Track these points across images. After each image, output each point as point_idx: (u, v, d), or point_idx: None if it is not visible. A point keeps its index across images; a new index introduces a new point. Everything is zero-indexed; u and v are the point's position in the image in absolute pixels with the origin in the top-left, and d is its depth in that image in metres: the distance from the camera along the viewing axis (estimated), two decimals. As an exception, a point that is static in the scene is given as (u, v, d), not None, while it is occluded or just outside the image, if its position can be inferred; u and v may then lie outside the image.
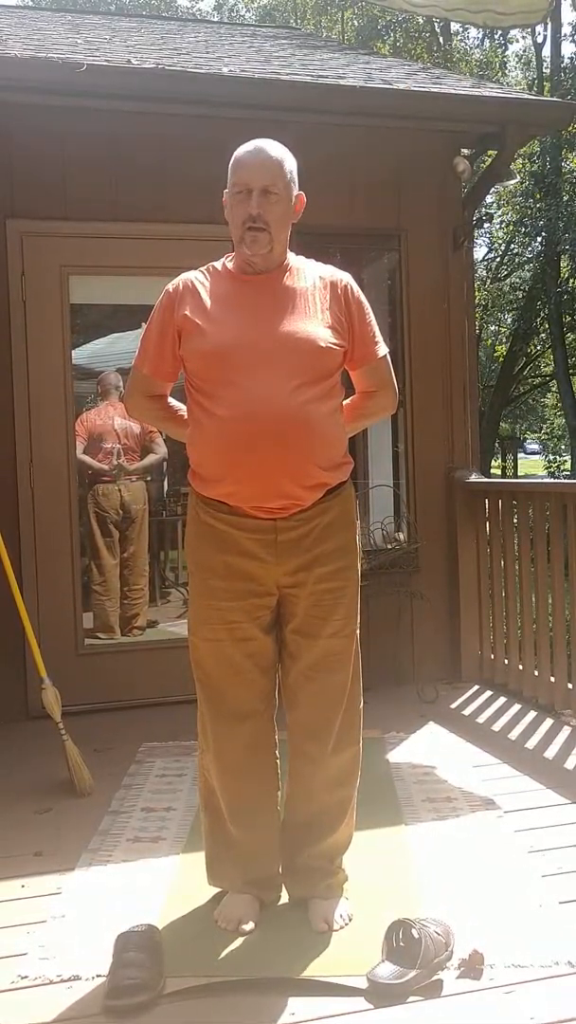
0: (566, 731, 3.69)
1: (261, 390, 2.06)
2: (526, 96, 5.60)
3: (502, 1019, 1.86)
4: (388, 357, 2.33)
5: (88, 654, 4.37)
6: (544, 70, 16.63)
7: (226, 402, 2.08)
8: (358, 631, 2.25)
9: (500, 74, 17.91)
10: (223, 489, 2.12)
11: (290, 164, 2.19)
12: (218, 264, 2.25)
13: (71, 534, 4.29)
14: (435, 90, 4.38)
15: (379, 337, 2.27)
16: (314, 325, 2.12)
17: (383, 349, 2.29)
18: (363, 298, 2.24)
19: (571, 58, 15.69)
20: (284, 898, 2.35)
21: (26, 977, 2.06)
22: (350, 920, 2.23)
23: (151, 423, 2.42)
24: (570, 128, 12.74)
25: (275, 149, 2.17)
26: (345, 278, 2.23)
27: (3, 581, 3.45)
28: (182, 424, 2.27)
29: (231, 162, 2.19)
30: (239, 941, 2.18)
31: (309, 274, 2.21)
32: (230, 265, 2.22)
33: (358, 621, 2.25)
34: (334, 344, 2.14)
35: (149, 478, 5.68)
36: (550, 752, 3.52)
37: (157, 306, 2.24)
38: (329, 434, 2.14)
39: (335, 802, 2.24)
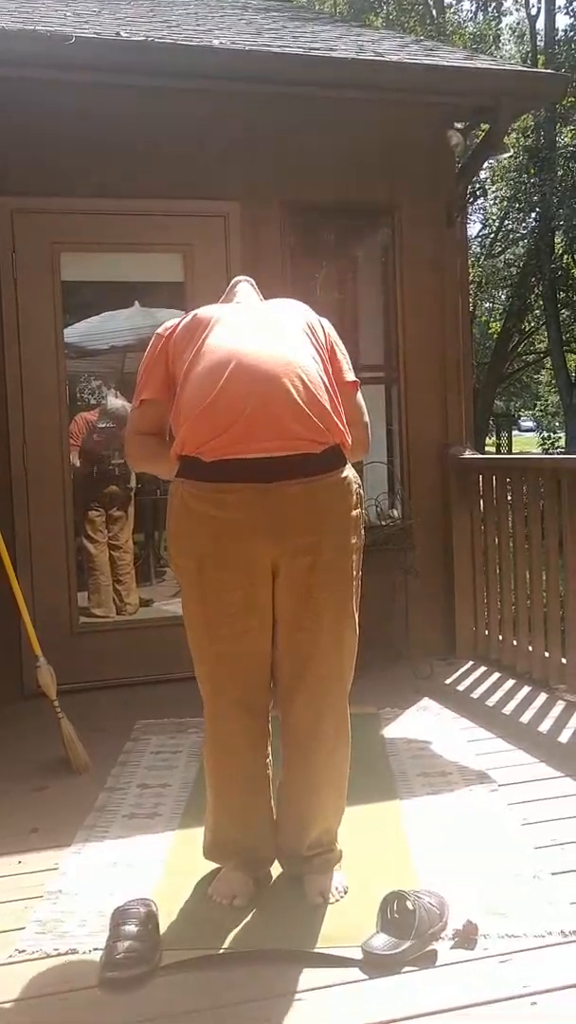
0: (560, 705, 3.72)
1: (254, 358, 2.12)
2: (520, 68, 5.57)
3: (496, 988, 1.88)
4: (360, 394, 2.35)
5: (83, 633, 4.38)
6: (538, 43, 16.48)
7: (214, 366, 2.12)
8: (356, 621, 2.21)
9: (494, 47, 17.74)
10: (216, 441, 2.05)
11: None
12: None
13: (65, 513, 4.28)
14: (428, 62, 4.34)
15: (351, 371, 2.32)
16: (300, 338, 2.22)
17: (353, 376, 2.32)
18: (335, 333, 2.33)
19: (565, 30, 15.49)
20: (275, 872, 2.36)
21: (24, 951, 2.08)
22: (345, 892, 2.25)
23: (150, 463, 2.34)
24: (564, 101, 12.70)
25: None
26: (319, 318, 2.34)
27: (-3, 560, 3.45)
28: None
29: None
30: (235, 915, 2.19)
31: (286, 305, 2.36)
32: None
33: (356, 611, 2.21)
34: (316, 356, 2.20)
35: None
36: (544, 726, 3.54)
37: (149, 349, 2.33)
38: (323, 387, 2.13)
39: (325, 784, 2.24)
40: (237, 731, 2.21)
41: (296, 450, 2.06)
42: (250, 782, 2.25)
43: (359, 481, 2.23)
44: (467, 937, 2.04)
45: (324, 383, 2.15)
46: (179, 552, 2.18)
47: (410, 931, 1.99)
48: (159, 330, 2.33)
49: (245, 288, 2.47)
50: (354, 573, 2.19)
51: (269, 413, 2.05)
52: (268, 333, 2.18)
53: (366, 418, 2.35)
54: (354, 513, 2.18)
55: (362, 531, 2.23)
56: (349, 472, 2.18)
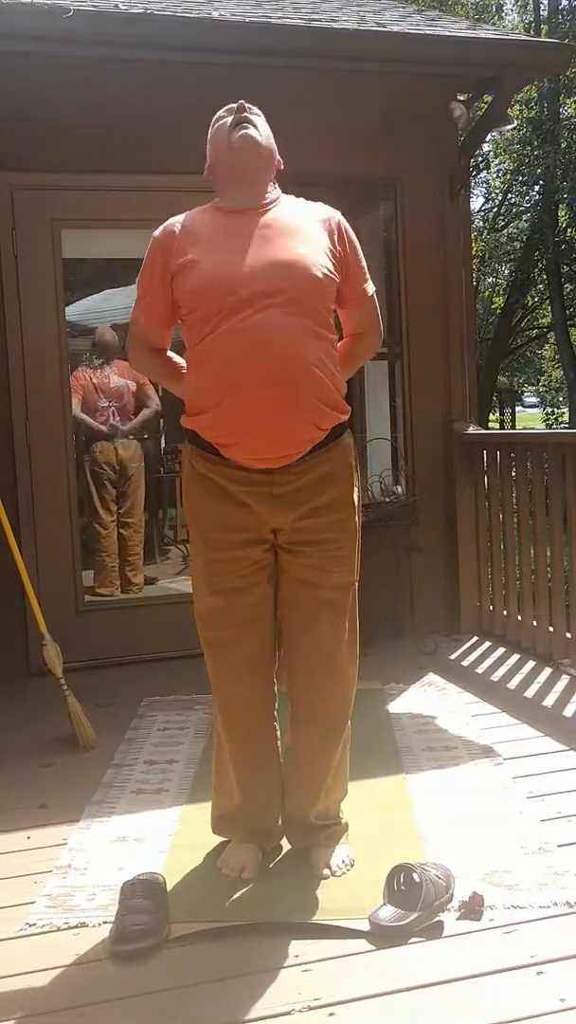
0: (564, 680, 3.72)
1: (259, 333, 2.03)
2: (523, 38, 5.50)
3: (502, 958, 1.89)
4: (375, 297, 2.32)
5: (88, 611, 4.39)
6: (541, 12, 16.26)
7: (223, 346, 2.05)
8: (356, 584, 2.25)
9: (496, 17, 17.51)
10: (226, 450, 2.10)
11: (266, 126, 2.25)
12: (204, 207, 2.24)
13: (69, 490, 4.28)
14: (430, 33, 4.28)
15: (368, 275, 2.27)
16: (311, 250, 2.10)
17: (372, 287, 2.29)
18: (354, 235, 2.24)
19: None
20: (283, 846, 2.38)
21: (34, 925, 2.10)
22: (352, 865, 2.27)
23: (153, 378, 2.43)
24: (568, 72, 12.56)
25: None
26: (336, 215, 2.23)
27: (2, 539, 3.45)
28: (182, 380, 2.26)
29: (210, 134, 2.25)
30: (243, 888, 2.21)
31: (300, 208, 2.22)
32: (219, 205, 2.22)
33: (357, 575, 2.24)
34: (330, 272, 2.12)
35: (145, 435, 5.67)
36: (548, 700, 3.55)
37: (147, 253, 2.23)
38: (327, 372, 2.12)
39: (332, 752, 2.26)
40: (240, 701, 2.23)
41: (305, 449, 2.11)
42: (255, 737, 2.26)
43: (351, 436, 2.26)
44: (473, 908, 2.05)
45: (334, 357, 2.16)
46: (188, 508, 2.25)
47: (416, 903, 2.00)
48: (157, 234, 2.22)
49: (249, 168, 2.19)
50: (357, 535, 2.23)
51: (284, 428, 2.06)
52: (281, 282, 2.06)
53: (380, 323, 2.36)
54: (353, 474, 2.22)
55: (359, 491, 2.25)
56: (346, 435, 2.22)
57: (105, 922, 2.08)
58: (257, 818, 2.31)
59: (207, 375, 2.09)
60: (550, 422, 23.97)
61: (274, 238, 2.10)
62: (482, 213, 16.91)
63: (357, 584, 2.25)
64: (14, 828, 2.61)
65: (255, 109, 2.24)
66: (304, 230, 2.14)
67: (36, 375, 4.18)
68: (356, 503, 2.22)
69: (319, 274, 2.08)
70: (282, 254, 2.08)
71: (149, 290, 2.23)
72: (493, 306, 18.46)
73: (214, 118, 2.26)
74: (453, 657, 4.21)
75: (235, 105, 2.23)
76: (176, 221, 2.21)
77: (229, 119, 2.21)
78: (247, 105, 2.23)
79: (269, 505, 2.12)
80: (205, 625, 2.22)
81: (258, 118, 2.23)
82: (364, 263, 2.26)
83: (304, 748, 2.26)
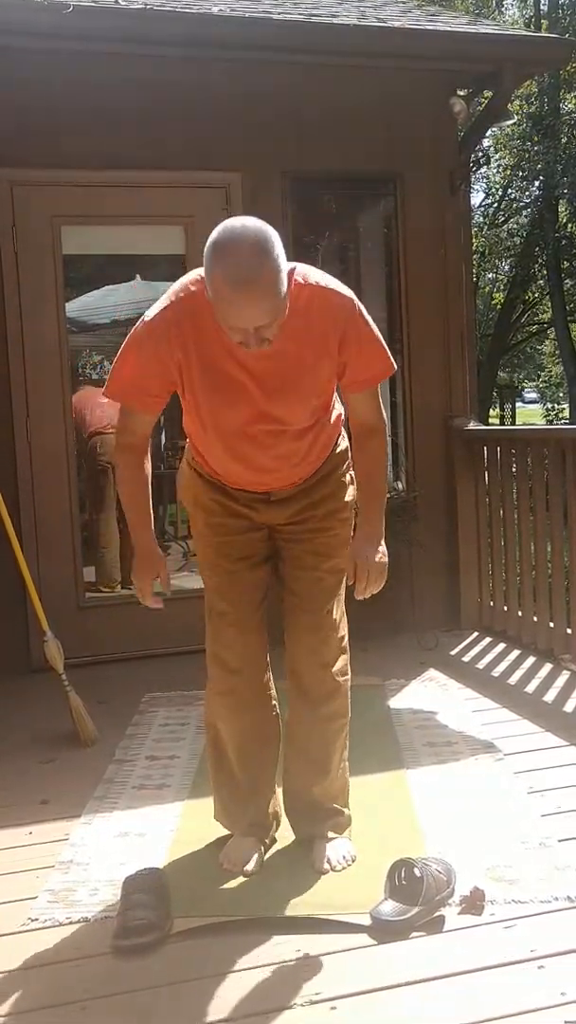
0: (565, 675, 3.73)
1: (262, 439, 2.09)
2: (524, 33, 5.50)
3: (503, 952, 1.90)
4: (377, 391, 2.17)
5: (89, 607, 4.40)
6: (542, 7, 16.23)
7: (223, 438, 2.10)
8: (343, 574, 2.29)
9: (496, 12, 17.47)
10: (222, 480, 2.20)
11: (276, 271, 1.80)
12: (202, 297, 1.91)
13: (70, 487, 4.28)
14: (431, 28, 4.28)
15: (382, 356, 2.08)
16: (308, 395, 2.04)
17: (386, 366, 2.10)
18: (366, 323, 2.03)
19: (569, -6, 15.32)
20: (284, 842, 2.39)
21: (36, 920, 2.10)
22: (353, 860, 2.28)
23: (118, 483, 2.25)
24: (568, 67, 12.53)
25: (259, 276, 1.77)
26: (347, 312, 2.00)
27: (3, 535, 3.45)
28: (145, 512, 2.21)
29: (211, 277, 1.80)
30: (244, 883, 2.22)
31: (304, 331, 1.96)
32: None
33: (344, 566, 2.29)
34: (326, 391, 2.11)
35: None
36: (549, 696, 3.56)
37: (143, 335, 1.99)
38: (325, 440, 2.19)
39: (330, 733, 2.30)
40: (241, 683, 2.27)
41: (302, 480, 2.21)
42: (256, 739, 2.29)
43: (346, 440, 2.28)
44: (474, 903, 2.06)
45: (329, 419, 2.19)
46: (189, 499, 2.30)
47: (418, 897, 2.01)
48: (150, 320, 1.98)
49: (249, 310, 1.82)
50: (351, 524, 2.29)
51: (283, 481, 2.18)
52: (278, 424, 2.05)
53: (381, 416, 2.19)
54: (346, 467, 2.27)
55: (353, 484, 2.29)
56: (340, 439, 2.27)
57: (107, 917, 2.08)
58: (257, 806, 2.32)
59: (207, 443, 2.14)
60: (550, 418, 23.97)
61: (273, 392, 2.00)
62: (482, 209, 16.88)
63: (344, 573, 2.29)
64: (16, 823, 2.62)
65: (261, 284, 1.78)
66: (305, 372, 2.01)
67: (36, 371, 4.18)
68: (350, 495, 2.28)
69: (313, 409, 2.08)
70: (278, 410, 2.02)
71: (137, 373, 2.01)
72: (493, 302, 18.44)
73: (213, 276, 1.80)
74: (454, 653, 4.21)
75: (237, 282, 1.77)
76: (179, 322, 1.96)
77: (231, 308, 1.80)
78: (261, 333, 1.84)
79: (266, 509, 2.22)
80: (214, 595, 2.29)
81: (267, 303, 1.80)
82: (378, 343, 2.06)
83: (299, 721, 2.30)
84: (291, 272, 1.93)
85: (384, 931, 1.98)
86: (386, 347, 2.11)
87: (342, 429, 2.27)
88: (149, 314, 2.00)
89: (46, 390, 4.20)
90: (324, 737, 2.29)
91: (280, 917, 2.06)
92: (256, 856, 2.28)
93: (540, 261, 16.25)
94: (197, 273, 1.97)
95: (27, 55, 3.79)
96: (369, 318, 2.06)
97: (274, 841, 2.38)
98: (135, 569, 2.28)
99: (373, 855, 2.27)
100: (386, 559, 2.22)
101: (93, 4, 3.70)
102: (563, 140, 13.81)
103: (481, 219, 16.55)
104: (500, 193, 16.74)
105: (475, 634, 4.45)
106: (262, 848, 2.32)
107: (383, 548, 2.22)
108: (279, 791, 2.38)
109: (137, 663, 4.20)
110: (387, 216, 4.68)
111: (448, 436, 4.60)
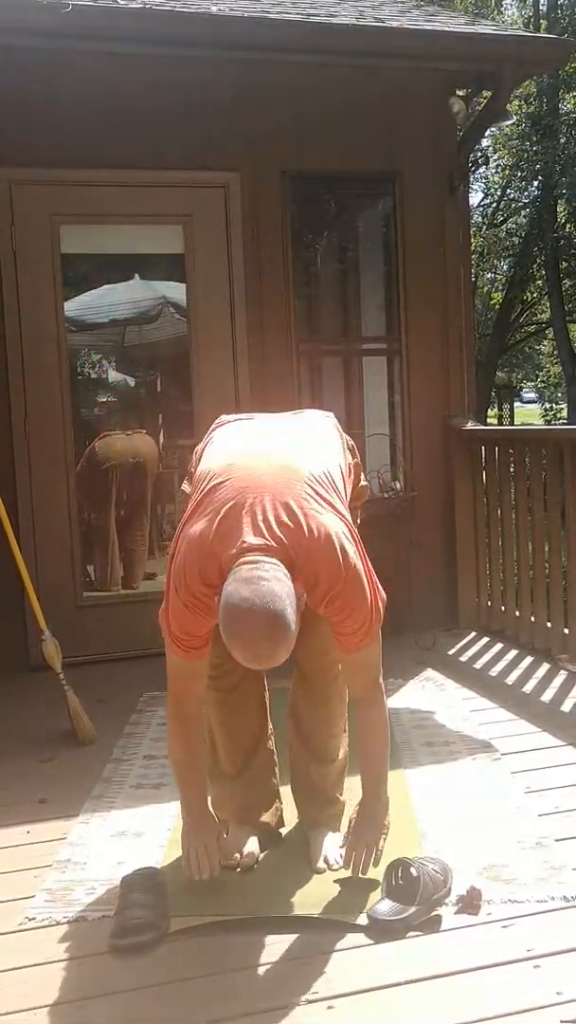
0: (562, 675, 3.73)
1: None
2: (522, 33, 5.50)
3: (499, 952, 1.90)
4: (371, 649, 2.19)
5: (87, 606, 4.40)
6: (541, 7, 16.23)
7: None
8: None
9: (495, 12, 17.47)
10: None
11: (290, 640, 1.79)
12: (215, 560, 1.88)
13: (68, 486, 4.28)
14: (429, 28, 4.28)
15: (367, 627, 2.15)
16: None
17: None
18: (349, 594, 2.09)
19: (568, -6, 15.31)
20: (282, 841, 2.40)
21: (33, 919, 2.10)
22: (351, 859, 2.28)
23: (173, 762, 2.19)
24: (567, 67, 12.53)
25: (274, 655, 1.77)
26: (334, 591, 2.05)
27: (1, 534, 3.45)
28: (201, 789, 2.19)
29: (228, 644, 1.77)
30: (242, 882, 2.22)
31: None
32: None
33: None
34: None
35: (144, 430, 5.65)
36: (546, 696, 3.56)
37: (187, 602, 1.93)
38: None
39: (332, 715, 2.37)
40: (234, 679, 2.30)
41: None
42: (245, 730, 2.34)
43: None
44: (471, 903, 2.06)
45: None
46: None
47: (414, 897, 2.01)
48: (189, 589, 1.90)
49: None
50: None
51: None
52: None
53: (379, 690, 2.30)
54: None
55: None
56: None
57: (104, 916, 2.08)
58: (251, 795, 2.35)
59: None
60: (548, 417, 23.98)
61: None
62: (481, 209, 16.89)
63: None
64: (13, 822, 2.62)
65: (278, 658, 1.79)
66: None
67: (35, 371, 4.18)
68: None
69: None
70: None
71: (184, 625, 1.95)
72: (492, 302, 18.45)
73: (230, 644, 1.77)
74: (451, 652, 4.21)
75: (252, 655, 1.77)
76: (203, 591, 1.90)
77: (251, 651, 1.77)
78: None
79: None
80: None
81: (284, 655, 1.79)
82: (360, 613, 2.14)
83: (300, 704, 2.35)
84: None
85: (381, 931, 1.98)
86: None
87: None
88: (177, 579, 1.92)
89: (44, 389, 4.19)
90: (328, 719, 2.35)
91: (277, 917, 2.06)
92: (252, 847, 2.30)
93: (539, 261, 16.25)
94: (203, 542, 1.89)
95: (26, 54, 3.79)
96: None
97: (275, 843, 2.38)
98: (192, 834, 2.14)
99: (371, 854, 2.27)
100: (387, 832, 2.17)
101: (92, 4, 3.70)
102: (562, 140, 13.80)
103: (480, 219, 16.56)
104: (499, 193, 16.73)
105: (473, 634, 4.45)
106: (258, 840, 2.33)
107: (388, 821, 2.18)
108: (281, 790, 2.41)
109: (135, 662, 4.19)
110: (386, 216, 4.68)
111: (446, 436, 4.60)
